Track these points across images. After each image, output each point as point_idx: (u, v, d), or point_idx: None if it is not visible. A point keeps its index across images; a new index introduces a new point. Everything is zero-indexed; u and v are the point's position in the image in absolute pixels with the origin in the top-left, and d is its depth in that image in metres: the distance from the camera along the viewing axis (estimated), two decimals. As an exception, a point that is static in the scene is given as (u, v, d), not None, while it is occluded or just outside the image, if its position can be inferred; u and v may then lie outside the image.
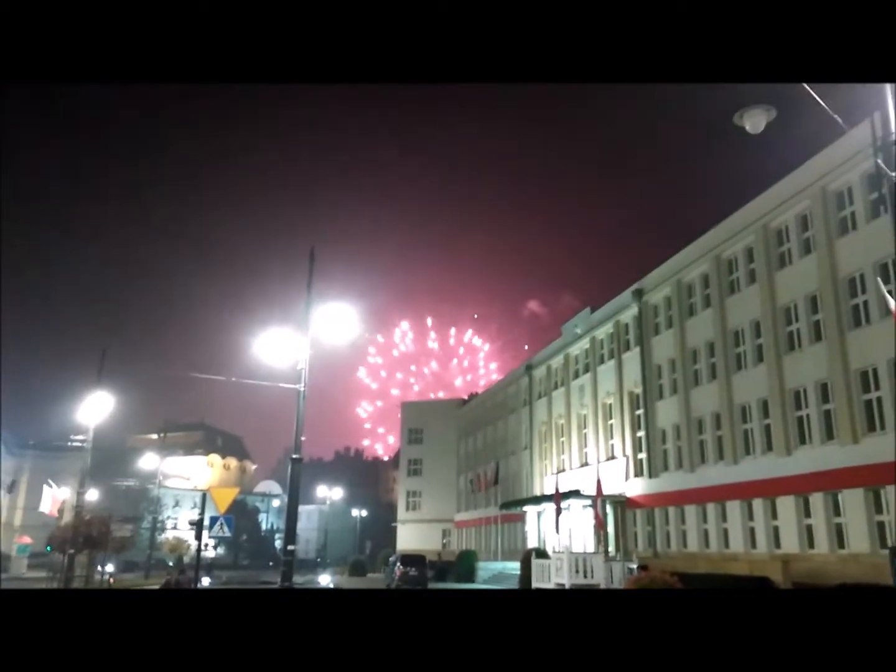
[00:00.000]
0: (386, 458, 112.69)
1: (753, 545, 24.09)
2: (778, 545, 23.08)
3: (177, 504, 73.20)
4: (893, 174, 9.43)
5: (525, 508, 39.72)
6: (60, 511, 34.99)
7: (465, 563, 42.98)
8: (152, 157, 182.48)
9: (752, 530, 24.26)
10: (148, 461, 52.95)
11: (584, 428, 36.73)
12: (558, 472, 37.44)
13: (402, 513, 61.45)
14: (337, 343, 17.47)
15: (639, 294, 31.93)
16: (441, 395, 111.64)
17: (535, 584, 28.61)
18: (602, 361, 35.39)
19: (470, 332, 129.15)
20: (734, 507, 25.02)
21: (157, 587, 18.49)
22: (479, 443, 53.15)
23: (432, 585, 36.33)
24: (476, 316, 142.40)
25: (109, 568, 26.22)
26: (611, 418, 34.08)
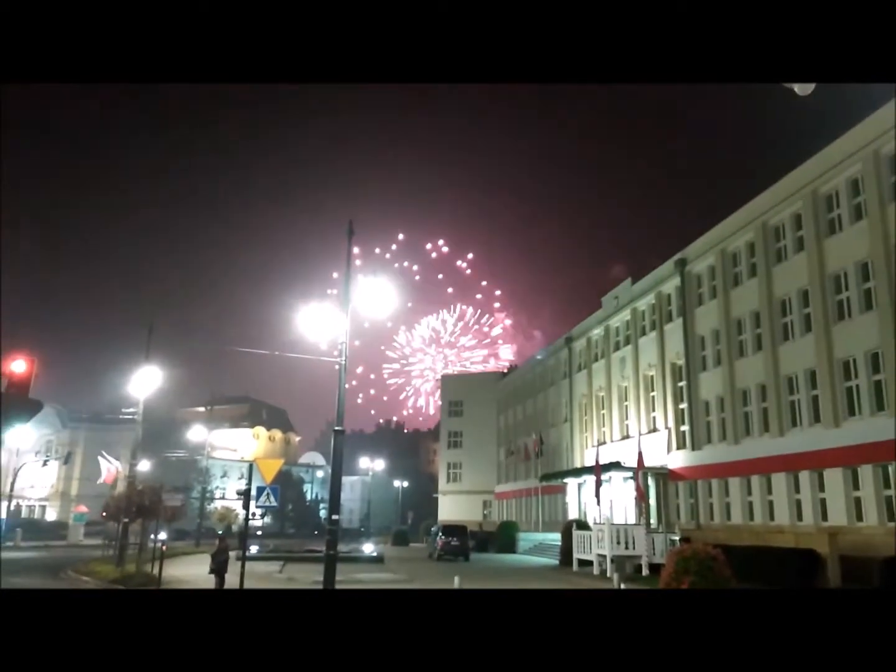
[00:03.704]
0: (427, 430, 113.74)
1: (800, 518, 23.74)
2: (825, 517, 22.70)
3: (224, 475, 75.21)
4: None
5: (566, 480, 39.75)
6: (114, 481, 36.32)
7: (506, 534, 43.35)
8: (192, 133, 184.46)
9: (799, 503, 23.90)
10: (196, 433, 54.40)
11: (626, 400, 36.44)
12: (599, 444, 37.31)
13: (442, 484, 62.12)
14: (376, 316, 17.63)
15: (682, 264, 31.32)
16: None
17: (576, 556, 28.76)
18: (643, 333, 34.95)
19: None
20: (780, 480, 24.65)
21: (208, 554, 19.08)
22: (519, 415, 53.21)
23: (474, 556, 36.80)
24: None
25: (162, 536, 27.13)
26: (652, 390, 33.73)
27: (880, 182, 21.47)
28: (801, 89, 10.79)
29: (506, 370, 64.93)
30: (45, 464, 56.44)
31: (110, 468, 35.21)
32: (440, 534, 36.44)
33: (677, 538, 24.56)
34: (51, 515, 67.88)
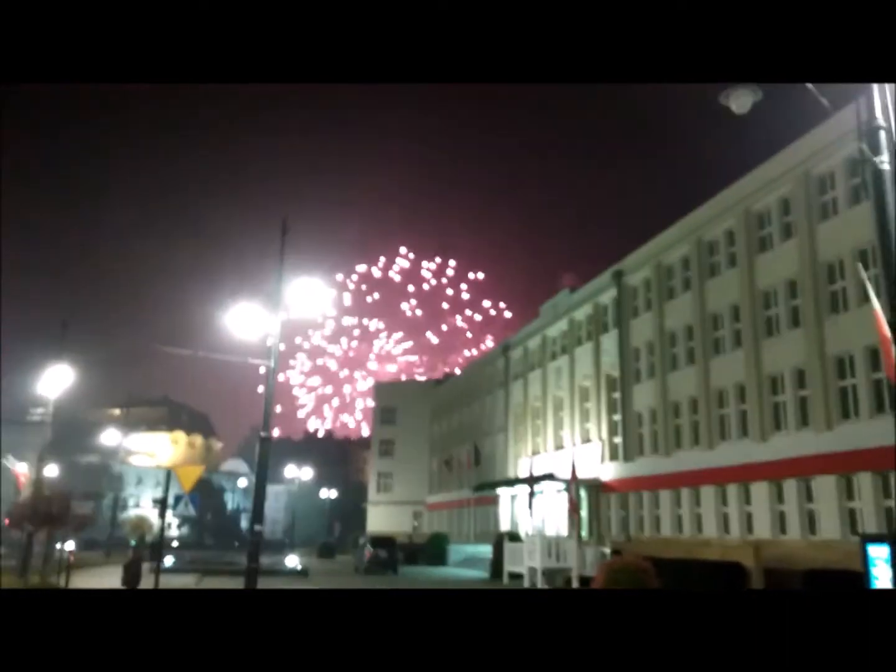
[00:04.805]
0: (357, 438, 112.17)
1: (726, 530, 24.07)
2: (750, 531, 23.07)
3: (139, 482, 71.86)
4: (876, 160, 9.15)
5: (498, 491, 39.49)
6: (20, 487, 33.92)
7: (436, 546, 42.71)
8: (120, 126, 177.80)
9: (726, 516, 24.23)
10: (110, 437, 51.59)
11: (561, 411, 36.44)
12: (533, 454, 37.21)
13: (372, 494, 61.09)
14: (308, 316, 16.86)
15: (618, 275, 31.59)
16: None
17: (507, 568, 28.39)
18: (580, 343, 35.03)
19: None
20: (708, 493, 24.96)
21: (119, 565, 17.82)
22: (454, 424, 52.81)
23: (403, 568, 36.03)
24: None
25: (70, 546, 25.35)
26: (587, 401, 33.81)
27: (809, 202, 22.08)
28: (738, 107, 10.74)
29: (441, 378, 64.55)
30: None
31: (16, 473, 32.87)
32: (368, 545, 35.56)
33: (608, 551, 24.52)
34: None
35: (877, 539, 9.86)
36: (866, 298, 17.59)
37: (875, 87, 9.63)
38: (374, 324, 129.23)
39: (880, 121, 9.06)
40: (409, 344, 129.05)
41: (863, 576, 8.97)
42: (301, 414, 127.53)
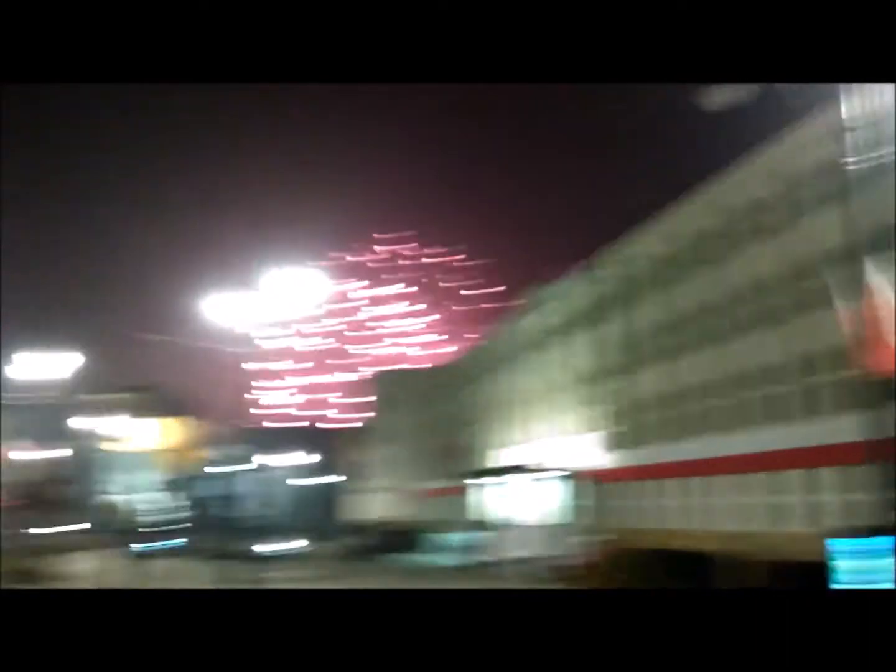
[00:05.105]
0: (345, 426, 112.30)
1: (692, 522, 24.63)
2: (716, 523, 23.60)
3: (128, 467, 71.86)
4: (846, 163, 9.45)
5: (481, 480, 40.03)
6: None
7: (419, 533, 43.14)
8: (106, 116, 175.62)
9: (692, 508, 24.89)
10: (98, 421, 51.66)
11: (538, 403, 36.99)
12: (513, 445, 37.73)
13: (357, 481, 61.47)
14: (297, 307, 17.29)
15: (594, 271, 31.99)
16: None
17: (491, 556, 28.93)
18: (557, 336, 35.43)
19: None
20: (677, 485, 25.64)
21: (105, 548, 18.25)
22: (440, 413, 53.25)
23: (390, 555, 36.47)
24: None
25: (57, 528, 25.75)
26: (565, 394, 34.34)
27: (781, 203, 22.47)
28: (715, 104, 10.96)
29: (428, 366, 64.96)
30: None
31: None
32: (350, 531, 36.04)
33: (587, 540, 25.03)
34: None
35: (840, 534, 10.23)
36: (834, 299, 18.21)
37: (843, 89, 9.80)
38: (365, 311, 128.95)
39: (852, 123, 9.36)
40: (401, 330, 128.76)
41: (826, 568, 9.37)
42: (291, 400, 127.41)
